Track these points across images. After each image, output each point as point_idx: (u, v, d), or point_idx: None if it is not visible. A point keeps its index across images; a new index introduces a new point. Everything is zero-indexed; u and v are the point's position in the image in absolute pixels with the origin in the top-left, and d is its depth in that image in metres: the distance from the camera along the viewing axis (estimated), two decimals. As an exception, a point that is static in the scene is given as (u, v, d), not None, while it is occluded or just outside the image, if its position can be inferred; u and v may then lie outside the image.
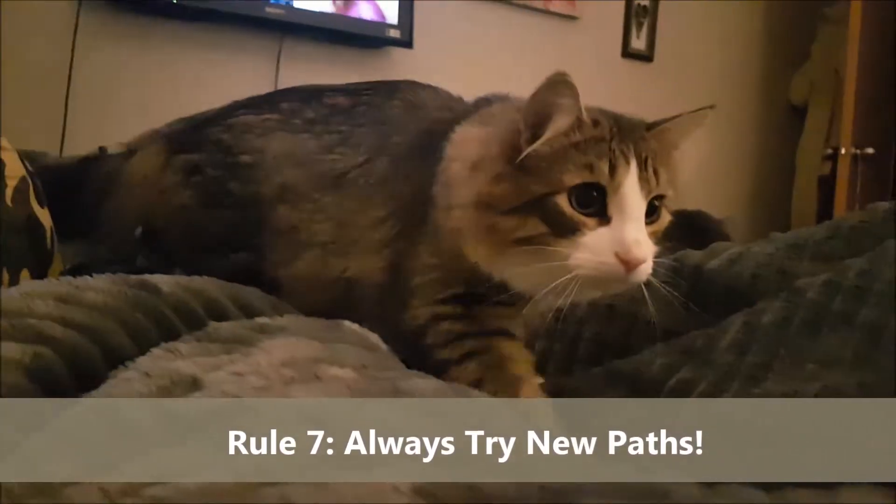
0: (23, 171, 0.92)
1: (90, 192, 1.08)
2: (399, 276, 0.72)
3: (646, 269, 0.65)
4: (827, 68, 3.72)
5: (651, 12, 3.44)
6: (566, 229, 0.63)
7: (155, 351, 0.49)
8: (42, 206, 0.95)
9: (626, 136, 0.67)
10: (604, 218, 0.64)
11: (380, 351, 0.61)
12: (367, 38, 2.67)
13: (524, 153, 0.65)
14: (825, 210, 3.35)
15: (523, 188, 0.64)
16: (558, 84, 0.66)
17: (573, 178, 0.64)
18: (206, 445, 0.31)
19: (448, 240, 0.70)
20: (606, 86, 3.38)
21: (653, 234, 0.68)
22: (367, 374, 0.40)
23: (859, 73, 3.05)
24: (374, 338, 0.65)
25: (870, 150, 3.10)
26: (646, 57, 3.46)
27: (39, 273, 0.90)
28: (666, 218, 0.70)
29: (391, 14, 2.65)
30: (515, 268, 0.65)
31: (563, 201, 0.64)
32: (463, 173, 0.70)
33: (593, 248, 0.63)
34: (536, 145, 0.65)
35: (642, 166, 0.66)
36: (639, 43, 3.43)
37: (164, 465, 0.30)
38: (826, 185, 3.46)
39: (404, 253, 0.73)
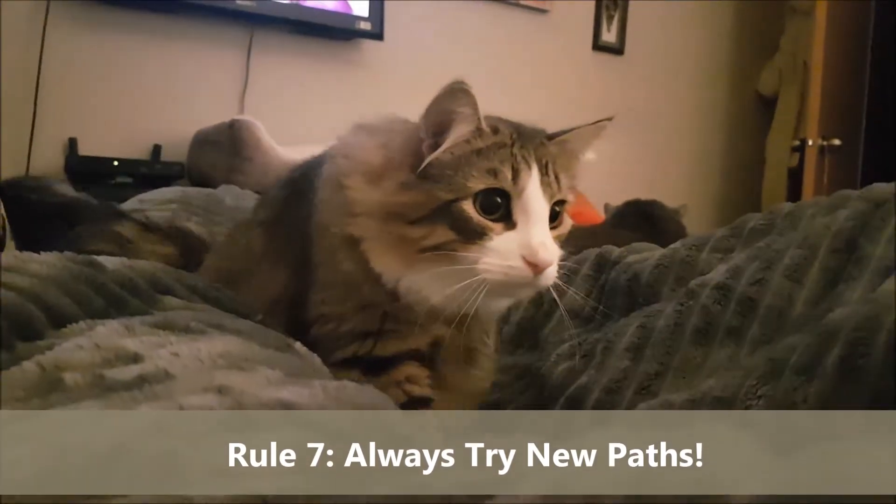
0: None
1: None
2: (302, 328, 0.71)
3: (552, 273, 0.66)
4: (796, 60, 3.78)
5: (621, 5, 3.47)
6: (473, 235, 0.64)
7: (112, 324, 0.51)
8: (-7, 194, 0.96)
9: (526, 142, 0.68)
10: (509, 223, 0.65)
11: (320, 371, 0.61)
12: (337, 29, 2.67)
13: (426, 160, 0.65)
14: (794, 200, 3.41)
15: (429, 196, 0.64)
16: (457, 92, 0.65)
17: (477, 184, 0.64)
18: (117, 403, 0.33)
19: (342, 257, 0.68)
20: (577, 78, 3.42)
21: (556, 238, 0.68)
22: (292, 377, 0.41)
23: (825, 65, 3.10)
24: (317, 360, 0.64)
25: (836, 142, 3.15)
26: (616, 50, 3.50)
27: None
28: (568, 223, 0.71)
29: (362, 7, 2.65)
30: (422, 275, 0.65)
31: (468, 207, 0.64)
32: (359, 183, 0.68)
33: (501, 253, 0.63)
34: (438, 153, 0.65)
35: (543, 171, 0.66)
36: (609, 36, 3.46)
37: (83, 417, 0.31)
38: (795, 177, 3.51)
39: (301, 304, 0.72)
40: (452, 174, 0.64)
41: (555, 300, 0.97)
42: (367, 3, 2.66)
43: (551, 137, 0.71)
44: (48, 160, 2.28)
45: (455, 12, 3.05)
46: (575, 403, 0.76)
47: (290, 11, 2.53)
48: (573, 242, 1.60)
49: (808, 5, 3.46)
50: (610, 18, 3.45)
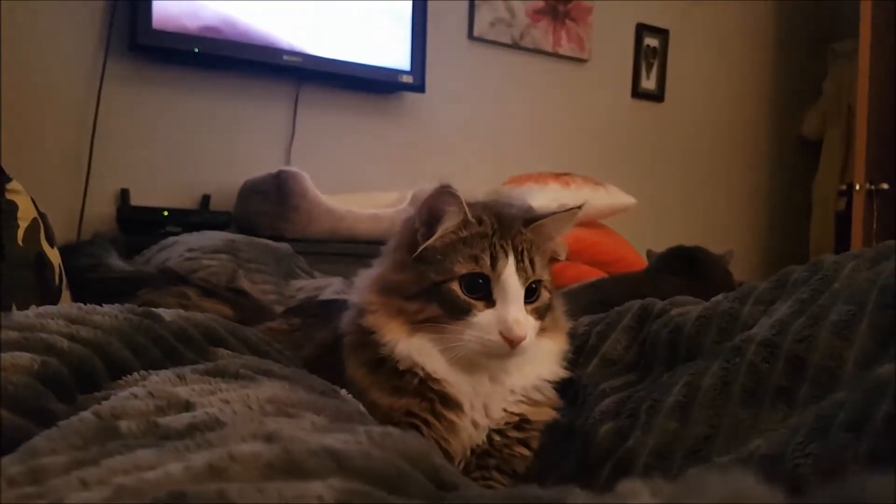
0: (35, 213, 0.98)
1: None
2: None
3: (528, 343, 0.74)
4: (840, 104, 3.74)
5: (661, 52, 3.50)
6: (460, 311, 0.73)
7: (164, 374, 0.53)
8: (52, 246, 1.01)
9: (505, 232, 0.77)
10: (489, 302, 0.74)
11: (364, 416, 0.62)
12: (380, 83, 2.75)
13: (421, 247, 0.75)
14: (842, 245, 3.33)
15: (422, 276, 0.75)
16: (444, 195, 0.75)
17: (462, 269, 0.74)
18: (171, 450, 0.34)
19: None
20: (617, 126, 3.44)
21: (534, 311, 0.76)
22: (337, 423, 0.42)
23: (870, 108, 3.05)
24: (361, 407, 0.68)
25: (884, 186, 3.08)
26: (656, 97, 3.51)
27: (48, 308, 0.95)
28: (545, 296, 0.78)
29: (404, 60, 2.73)
30: (417, 342, 0.74)
31: (455, 287, 0.74)
32: (366, 279, 0.80)
33: (482, 328, 0.73)
34: (430, 241, 0.75)
35: (519, 258, 0.75)
36: (649, 83, 3.48)
37: (139, 461, 0.33)
38: (843, 221, 3.44)
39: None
40: (442, 259, 0.75)
41: (594, 347, 0.97)
42: (409, 56, 2.73)
43: (529, 222, 0.80)
44: (101, 210, 2.38)
45: (495, 64, 3.12)
46: (623, 468, 0.74)
47: (334, 66, 2.62)
48: (613, 289, 1.58)
49: (851, 49, 3.44)
50: (649, 66, 3.48)
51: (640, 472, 0.73)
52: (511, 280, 0.74)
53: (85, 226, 2.36)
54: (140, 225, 2.26)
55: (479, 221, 0.77)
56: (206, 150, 2.57)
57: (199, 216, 2.37)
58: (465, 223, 0.76)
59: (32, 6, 2.28)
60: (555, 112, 3.26)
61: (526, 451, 0.80)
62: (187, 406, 0.41)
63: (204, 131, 2.55)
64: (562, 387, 0.89)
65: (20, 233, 0.94)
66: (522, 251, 0.76)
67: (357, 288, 0.82)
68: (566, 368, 0.85)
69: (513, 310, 0.73)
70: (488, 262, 0.74)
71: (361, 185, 2.69)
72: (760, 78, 3.88)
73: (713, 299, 0.91)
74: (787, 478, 0.58)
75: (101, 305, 0.63)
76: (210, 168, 2.55)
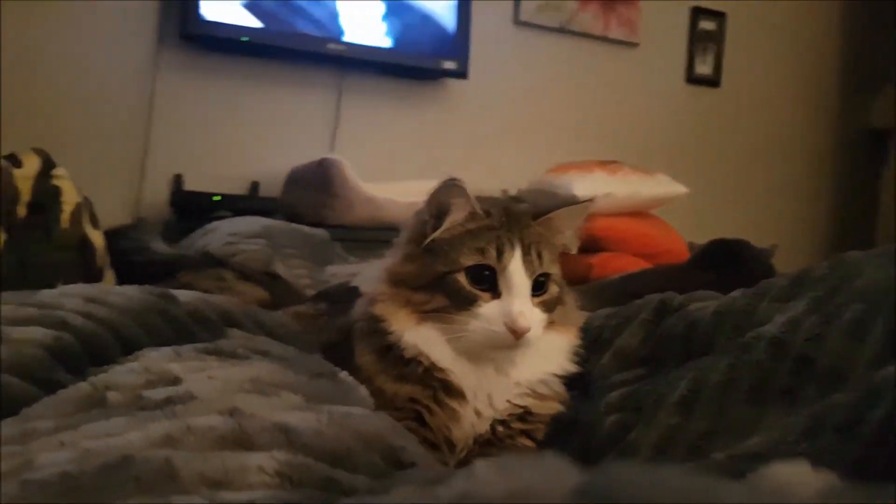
0: (78, 198, 1.04)
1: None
2: None
3: (534, 336, 0.75)
4: (911, 90, 3.56)
5: (717, 36, 3.39)
6: (465, 302, 0.75)
7: (164, 350, 0.57)
8: (96, 228, 1.07)
9: (513, 225, 0.78)
10: (495, 293, 0.75)
11: (358, 398, 0.65)
12: (423, 70, 2.77)
13: (429, 238, 0.77)
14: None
15: (429, 267, 0.77)
16: (452, 188, 0.76)
17: (468, 260, 0.75)
18: (139, 419, 0.37)
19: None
20: (670, 112, 3.37)
21: (541, 304, 0.77)
22: (312, 402, 0.45)
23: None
24: (363, 390, 0.70)
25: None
26: (712, 82, 3.42)
27: (90, 287, 1.01)
28: (554, 289, 0.79)
29: (447, 47, 2.74)
30: (423, 332, 0.76)
31: (461, 278, 0.75)
32: (377, 270, 0.82)
33: (487, 319, 0.74)
34: (437, 233, 0.77)
35: (526, 251, 0.76)
36: (704, 67, 3.39)
37: (111, 428, 0.36)
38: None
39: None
40: (449, 250, 0.76)
41: (608, 340, 0.97)
42: (452, 42, 2.74)
43: (538, 216, 0.81)
44: (156, 194, 2.48)
45: (541, 49, 3.09)
46: (623, 460, 0.75)
47: (378, 54, 2.65)
48: (645, 283, 1.56)
49: (922, 32, 3.27)
50: (704, 50, 3.39)
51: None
52: (517, 272, 0.75)
53: (142, 210, 2.47)
54: (192, 209, 2.35)
55: (487, 214, 0.78)
56: (254, 137, 2.64)
57: (248, 202, 2.45)
58: (472, 215, 0.78)
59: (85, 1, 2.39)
60: (603, 98, 3.22)
61: (529, 443, 0.80)
62: (174, 381, 0.45)
63: (252, 119, 2.63)
64: (573, 379, 0.89)
65: (65, 216, 1.00)
66: (530, 244, 0.77)
67: (368, 278, 0.84)
68: (576, 363, 0.85)
69: (518, 302, 0.74)
70: (494, 254, 0.75)
71: (404, 172, 2.72)
72: (825, 62, 3.72)
73: (730, 294, 0.90)
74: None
75: (123, 287, 0.67)
76: (259, 155, 2.63)
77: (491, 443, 0.79)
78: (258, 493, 0.30)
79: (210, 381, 0.44)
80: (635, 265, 2.56)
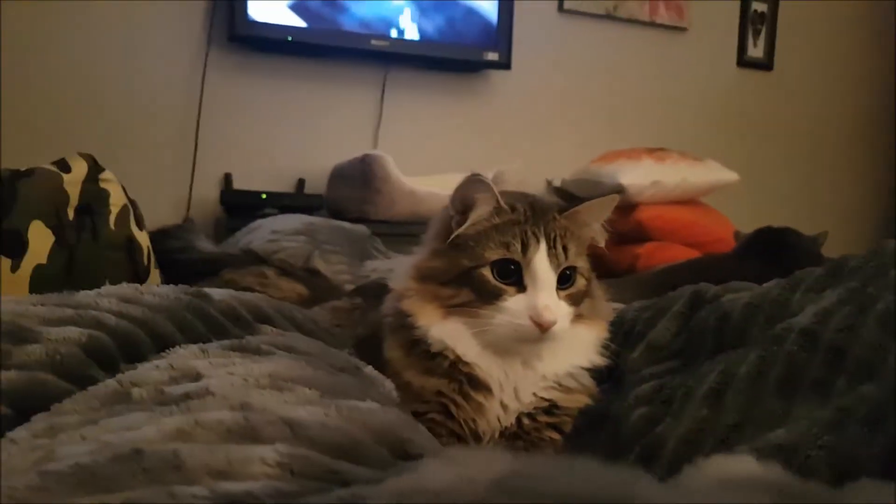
0: (125, 200, 1.08)
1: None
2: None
3: (560, 329, 0.75)
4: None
5: (769, 18, 3.29)
6: (491, 296, 0.75)
7: (191, 347, 0.59)
8: (141, 230, 1.11)
9: (538, 219, 0.78)
10: (521, 287, 0.76)
11: (380, 392, 0.66)
12: (466, 62, 2.77)
13: (454, 234, 0.78)
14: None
15: (455, 262, 0.77)
16: (475, 183, 0.77)
17: (493, 255, 0.76)
18: (159, 414, 0.39)
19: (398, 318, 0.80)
20: (722, 97, 3.28)
21: (568, 298, 0.78)
22: (326, 397, 0.47)
23: None
24: (389, 384, 0.72)
25: None
26: (764, 65, 3.31)
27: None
28: (581, 283, 0.79)
29: (490, 38, 2.73)
30: (450, 326, 0.77)
31: (487, 273, 0.76)
32: (406, 266, 0.83)
33: (512, 312, 0.75)
34: (462, 228, 0.78)
35: (551, 245, 0.76)
36: (756, 51, 3.29)
37: (130, 423, 0.38)
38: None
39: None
40: (474, 245, 0.77)
41: (641, 333, 0.96)
42: (495, 34, 2.73)
43: (563, 210, 0.81)
44: (206, 193, 2.56)
45: (586, 37, 3.05)
46: (650, 453, 0.74)
47: (421, 48, 2.67)
48: (687, 275, 1.54)
49: None
50: (756, 32, 3.28)
51: (668, 458, 0.73)
52: (542, 266, 0.75)
53: (193, 209, 2.56)
54: (241, 207, 2.41)
55: (512, 209, 0.79)
56: (300, 135, 2.69)
57: (294, 199, 2.50)
58: (497, 210, 0.78)
59: (135, 5, 2.47)
60: (651, 85, 3.16)
61: (556, 436, 0.81)
62: (196, 377, 0.47)
63: (298, 117, 2.68)
64: (605, 372, 0.89)
65: (112, 218, 1.05)
66: (555, 238, 0.77)
67: (397, 274, 0.85)
68: (606, 356, 0.85)
69: (543, 295, 0.75)
70: (519, 248, 0.76)
71: (448, 165, 2.73)
72: (882, 42, 3.55)
73: (765, 285, 0.88)
74: (798, 469, 0.57)
75: (159, 286, 0.70)
76: (304, 153, 2.68)
77: (517, 436, 0.80)
78: (259, 483, 0.31)
79: (229, 376, 0.46)
80: (685, 255, 2.51)
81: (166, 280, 1.22)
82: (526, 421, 0.80)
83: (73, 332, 0.53)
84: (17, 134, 2.27)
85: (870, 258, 0.79)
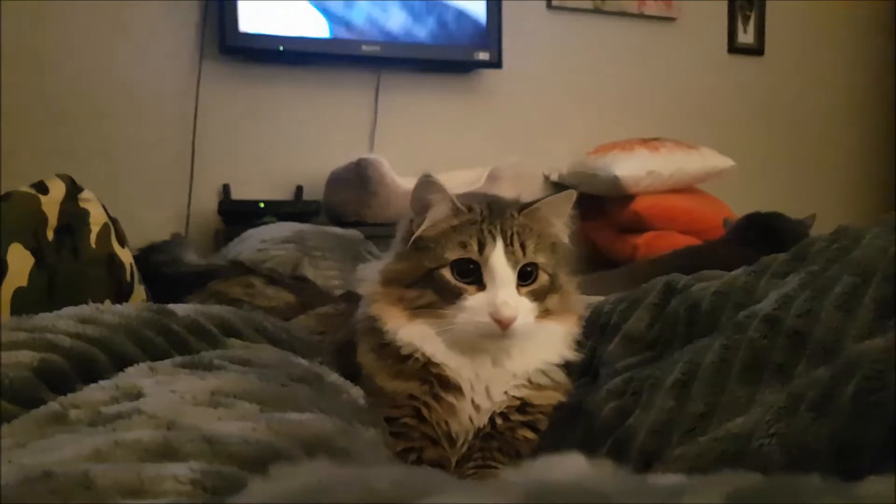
0: (105, 218, 1.10)
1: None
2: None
3: (521, 325, 0.76)
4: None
5: (758, 4, 3.26)
6: (452, 295, 0.77)
7: (142, 366, 0.60)
8: (123, 247, 1.13)
9: (495, 217, 0.79)
10: (481, 286, 0.77)
11: (343, 400, 0.67)
12: (457, 63, 2.77)
13: (414, 236, 0.80)
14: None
15: (418, 264, 0.79)
16: (427, 184, 0.79)
17: (452, 255, 0.77)
18: (84, 434, 0.40)
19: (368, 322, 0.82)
20: (713, 84, 3.26)
21: (530, 294, 0.79)
22: (267, 410, 0.47)
23: None
24: (354, 391, 0.73)
25: None
26: (755, 51, 3.29)
27: (121, 302, 1.07)
28: (543, 278, 0.80)
29: (479, 38, 2.74)
30: (416, 328, 0.78)
31: (447, 273, 0.77)
32: (374, 270, 0.85)
33: (472, 310, 0.76)
34: (421, 230, 0.79)
35: (508, 242, 0.77)
36: (746, 37, 3.27)
37: (53, 445, 0.39)
38: None
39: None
40: (434, 246, 0.79)
41: (617, 325, 0.96)
42: (485, 33, 2.73)
43: (523, 208, 0.82)
44: (205, 204, 2.58)
45: (576, 32, 3.05)
46: (621, 446, 0.75)
47: (412, 51, 2.68)
48: (673, 266, 1.54)
49: None
50: (746, 18, 3.26)
51: (637, 449, 0.73)
52: (499, 263, 0.76)
53: (192, 220, 2.58)
54: (240, 217, 2.42)
55: (469, 209, 0.80)
56: (296, 142, 2.71)
57: (292, 206, 2.51)
58: (455, 212, 0.80)
59: (128, 19, 2.49)
60: (643, 76, 3.15)
61: (531, 434, 0.81)
62: (138, 396, 0.48)
63: (293, 124, 2.69)
64: (582, 366, 0.89)
65: (93, 236, 1.06)
66: (512, 235, 0.78)
67: (367, 279, 0.86)
68: (578, 350, 0.85)
69: (501, 292, 0.75)
70: (475, 247, 0.77)
71: (445, 165, 2.72)
72: (876, 21, 3.52)
73: (732, 273, 0.88)
74: (752, 458, 0.57)
75: (122, 305, 0.71)
76: (301, 159, 2.69)
77: (491, 436, 0.80)
78: (169, 500, 0.32)
79: (169, 394, 0.47)
80: (682, 243, 2.50)
81: (154, 294, 1.24)
82: (499, 421, 0.80)
83: (25, 355, 0.54)
84: (12, 150, 2.30)
85: (832, 241, 0.79)
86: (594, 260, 2.87)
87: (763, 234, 1.59)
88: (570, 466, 0.27)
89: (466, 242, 0.77)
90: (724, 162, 2.88)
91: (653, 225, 2.73)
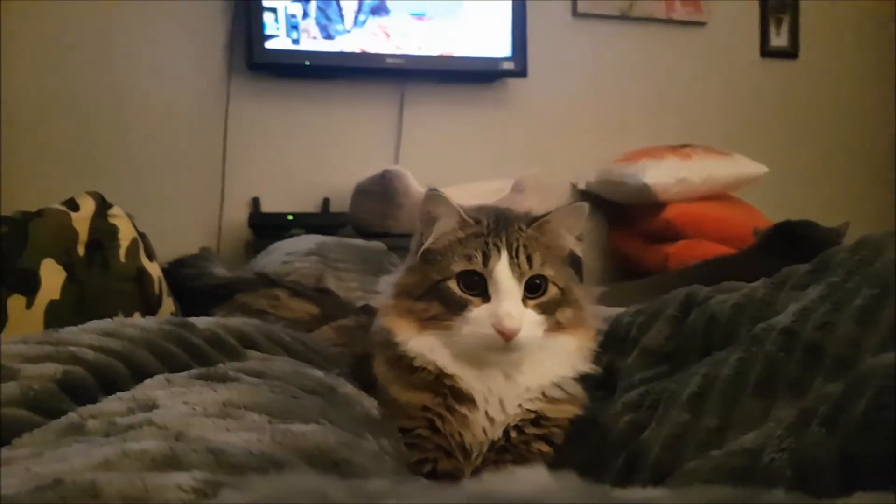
0: (134, 234, 1.13)
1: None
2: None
3: (526, 337, 0.76)
4: None
5: (792, 6, 3.21)
6: (458, 307, 0.77)
7: (159, 378, 0.62)
8: (151, 261, 1.16)
9: (501, 230, 0.80)
10: (486, 297, 0.77)
11: (355, 412, 0.68)
12: (482, 73, 2.79)
13: (421, 248, 0.81)
14: None
15: (426, 276, 0.80)
16: (433, 198, 0.80)
17: (458, 267, 0.78)
18: (96, 444, 0.42)
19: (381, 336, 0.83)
20: (746, 89, 3.21)
21: (538, 307, 0.78)
22: (275, 422, 0.49)
23: None
24: (368, 402, 0.74)
25: None
26: (789, 54, 3.23)
27: (150, 314, 1.10)
28: (553, 291, 0.80)
29: (504, 47, 2.75)
30: (426, 339, 0.79)
31: (452, 285, 0.78)
32: (387, 283, 0.86)
33: (476, 322, 0.76)
34: (428, 242, 0.81)
35: (513, 255, 0.78)
36: (779, 40, 3.22)
37: (66, 454, 0.41)
38: None
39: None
40: (441, 259, 0.80)
41: (635, 338, 0.96)
42: (510, 43, 2.74)
43: (532, 221, 0.82)
44: (236, 217, 2.63)
45: (602, 39, 3.04)
46: (635, 460, 0.74)
47: (437, 63, 2.70)
48: (700, 278, 1.52)
49: None
50: (778, 21, 3.21)
51: (651, 464, 0.72)
52: (503, 275, 0.77)
53: (223, 233, 2.63)
54: (269, 229, 2.47)
55: (476, 221, 0.81)
56: (323, 155, 2.75)
57: (320, 218, 2.55)
58: (462, 224, 0.80)
59: (162, 39, 2.57)
60: (672, 82, 3.12)
61: (546, 447, 0.81)
62: (152, 407, 0.50)
63: (320, 137, 2.73)
64: (600, 379, 0.89)
65: (122, 251, 1.10)
66: (518, 248, 0.78)
67: (381, 292, 0.88)
68: (594, 364, 0.85)
69: (505, 304, 0.76)
70: (480, 260, 0.77)
71: (469, 175, 2.74)
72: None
73: (752, 284, 0.87)
74: (763, 473, 0.57)
75: (144, 318, 0.74)
76: (328, 172, 2.73)
77: (506, 449, 0.80)
78: (171, 508, 0.33)
79: (182, 406, 0.49)
80: (715, 251, 2.47)
81: (183, 307, 1.28)
82: (514, 434, 0.80)
83: (49, 367, 0.56)
84: (45, 168, 2.38)
85: (854, 251, 0.77)
86: (622, 270, 2.85)
87: (791, 244, 1.56)
88: (529, 479, 0.28)
89: (472, 254, 0.78)
90: (758, 168, 2.83)
91: (684, 233, 2.70)
